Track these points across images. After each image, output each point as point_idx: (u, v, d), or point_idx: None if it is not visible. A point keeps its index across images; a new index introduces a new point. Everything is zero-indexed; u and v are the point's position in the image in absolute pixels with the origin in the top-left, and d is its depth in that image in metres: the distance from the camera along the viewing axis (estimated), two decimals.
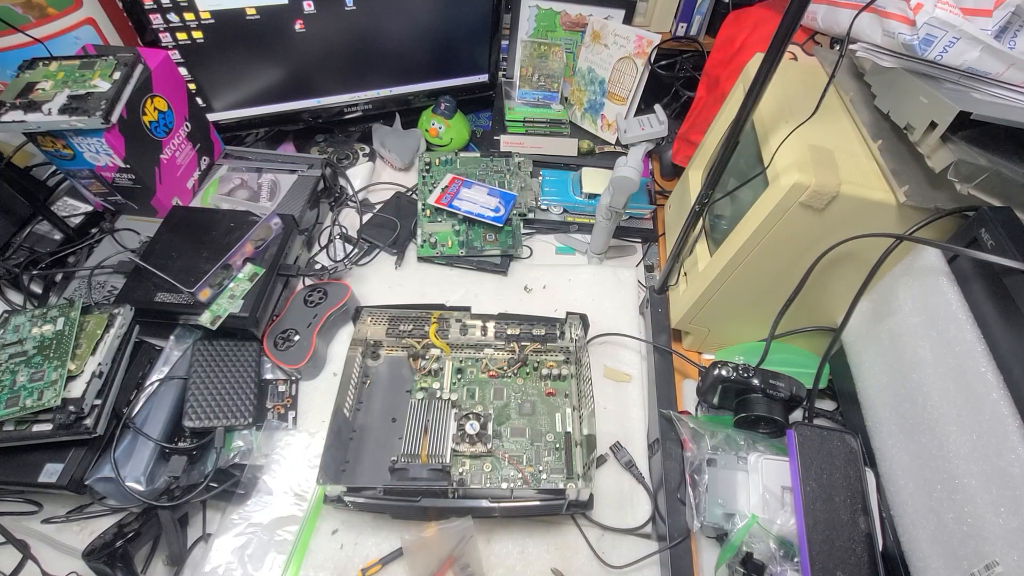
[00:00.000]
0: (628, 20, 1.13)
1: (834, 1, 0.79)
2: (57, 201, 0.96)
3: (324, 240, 1.02)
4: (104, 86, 0.80)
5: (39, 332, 0.71)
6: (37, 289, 0.87)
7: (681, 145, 1.12)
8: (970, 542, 0.54)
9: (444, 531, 0.67)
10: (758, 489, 0.68)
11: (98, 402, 0.69)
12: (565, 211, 1.08)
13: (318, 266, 0.96)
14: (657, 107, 0.85)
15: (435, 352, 0.86)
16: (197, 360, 0.77)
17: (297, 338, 0.83)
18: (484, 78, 1.21)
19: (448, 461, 0.72)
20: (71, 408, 0.66)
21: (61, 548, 0.70)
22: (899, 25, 0.64)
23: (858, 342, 0.76)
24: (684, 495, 0.71)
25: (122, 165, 0.84)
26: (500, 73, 1.22)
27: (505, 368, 0.85)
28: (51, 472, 0.67)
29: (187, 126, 0.95)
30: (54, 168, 0.98)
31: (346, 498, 0.68)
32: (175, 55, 0.93)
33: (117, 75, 0.81)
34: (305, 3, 0.95)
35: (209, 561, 0.69)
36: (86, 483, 0.67)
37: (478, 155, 1.12)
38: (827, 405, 0.85)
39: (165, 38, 0.92)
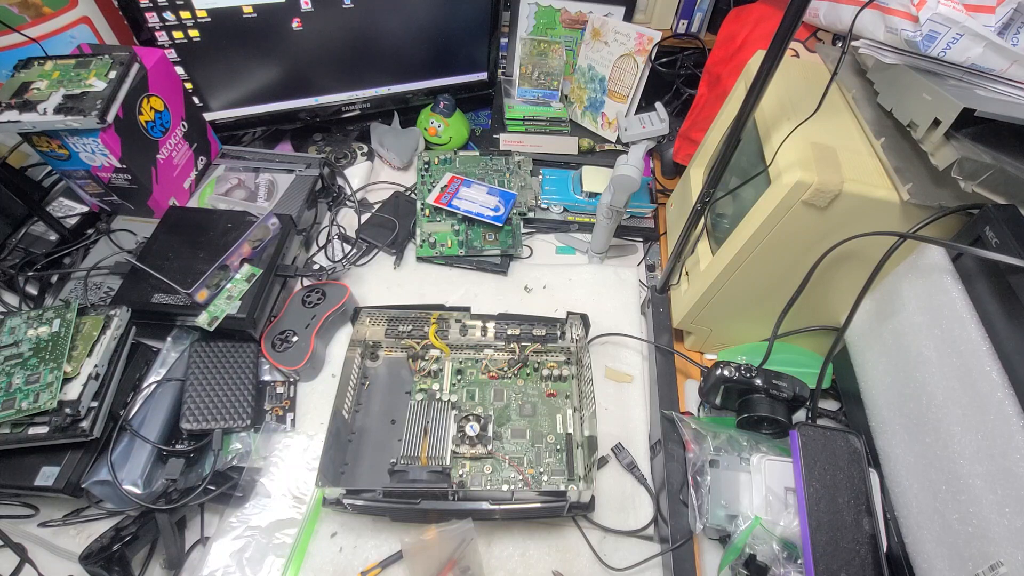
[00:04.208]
0: (628, 17, 1.13)
1: None
2: (53, 202, 0.95)
3: (322, 240, 1.02)
4: (100, 86, 0.79)
5: (35, 334, 0.71)
6: (33, 291, 0.87)
7: (682, 143, 1.11)
8: (975, 543, 0.54)
9: (444, 534, 0.67)
10: (761, 490, 0.67)
11: (94, 404, 0.68)
12: (565, 210, 1.07)
13: (316, 267, 0.95)
14: (658, 105, 0.84)
15: (435, 353, 0.85)
16: (194, 362, 0.77)
17: (295, 339, 0.83)
18: (483, 76, 1.20)
19: (448, 463, 0.72)
20: (67, 411, 0.65)
21: (58, 552, 0.69)
22: (902, 21, 0.64)
23: (861, 341, 0.76)
24: (686, 497, 0.70)
25: (118, 165, 0.83)
26: (499, 71, 1.22)
27: (505, 369, 0.85)
28: (47, 475, 0.66)
29: (184, 126, 0.94)
30: (49, 169, 0.97)
31: (345, 501, 0.67)
32: (171, 54, 0.93)
33: (113, 74, 0.80)
34: (303, 1, 0.94)
35: (207, 565, 0.68)
36: (83, 486, 0.67)
37: (477, 154, 1.11)
38: (830, 405, 0.84)
39: (161, 37, 0.91)
